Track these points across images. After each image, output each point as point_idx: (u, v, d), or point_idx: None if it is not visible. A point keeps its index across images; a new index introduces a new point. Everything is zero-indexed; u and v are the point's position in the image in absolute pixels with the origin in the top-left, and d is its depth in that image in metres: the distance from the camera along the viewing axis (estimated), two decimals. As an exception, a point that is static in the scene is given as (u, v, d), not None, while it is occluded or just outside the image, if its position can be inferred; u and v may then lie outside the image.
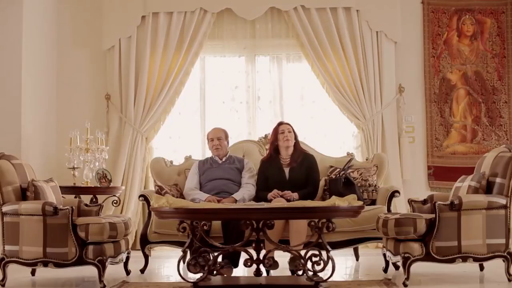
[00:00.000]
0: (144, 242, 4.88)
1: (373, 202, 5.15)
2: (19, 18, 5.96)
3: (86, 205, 4.73)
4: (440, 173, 6.69)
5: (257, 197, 5.01)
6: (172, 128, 6.91)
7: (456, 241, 4.02)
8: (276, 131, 5.16)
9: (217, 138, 5.25)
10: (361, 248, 5.53)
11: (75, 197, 5.76)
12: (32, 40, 6.18)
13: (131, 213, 6.44)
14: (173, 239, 4.78)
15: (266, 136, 5.71)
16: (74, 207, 4.26)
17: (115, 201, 6.01)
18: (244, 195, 4.96)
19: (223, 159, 5.25)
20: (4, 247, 4.21)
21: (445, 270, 4.55)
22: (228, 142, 5.37)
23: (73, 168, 5.97)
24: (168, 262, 5.61)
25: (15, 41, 5.94)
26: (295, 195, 4.84)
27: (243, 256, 4.01)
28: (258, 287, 3.77)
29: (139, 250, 5.00)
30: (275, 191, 4.88)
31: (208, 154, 5.68)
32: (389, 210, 4.96)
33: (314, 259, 3.72)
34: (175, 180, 5.42)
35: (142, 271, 4.79)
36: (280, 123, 5.23)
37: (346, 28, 6.61)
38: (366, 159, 5.91)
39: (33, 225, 4.06)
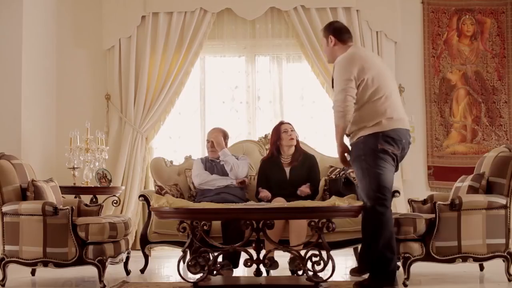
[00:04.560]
0: (144, 242, 4.88)
1: (373, 202, 5.14)
2: (19, 18, 5.95)
3: (86, 205, 4.73)
4: (440, 173, 6.68)
5: (257, 197, 5.02)
6: (172, 128, 6.90)
7: (456, 241, 4.02)
8: (278, 130, 5.14)
9: (212, 141, 5.23)
10: (361, 248, 5.53)
11: (75, 197, 5.75)
12: (32, 40, 6.18)
13: (131, 213, 6.43)
14: (173, 239, 4.77)
15: (266, 136, 5.70)
16: (74, 207, 4.26)
17: (115, 201, 6.01)
18: (233, 159, 5.09)
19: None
20: (4, 247, 4.21)
21: (445, 270, 4.54)
22: (227, 143, 5.36)
23: (73, 168, 5.96)
24: (168, 262, 5.61)
25: (15, 41, 5.94)
26: (307, 189, 4.86)
27: (243, 256, 4.01)
28: (258, 287, 3.76)
29: (139, 250, 5.00)
30: (266, 193, 4.90)
31: (208, 154, 5.68)
32: (389, 210, 4.95)
33: (314, 259, 3.71)
34: (175, 180, 5.41)
35: (142, 271, 4.79)
36: (282, 123, 5.23)
37: (346, 28, 6.60)
38: (366, 159, 5.89)
39: (33, 225, 4.06)
